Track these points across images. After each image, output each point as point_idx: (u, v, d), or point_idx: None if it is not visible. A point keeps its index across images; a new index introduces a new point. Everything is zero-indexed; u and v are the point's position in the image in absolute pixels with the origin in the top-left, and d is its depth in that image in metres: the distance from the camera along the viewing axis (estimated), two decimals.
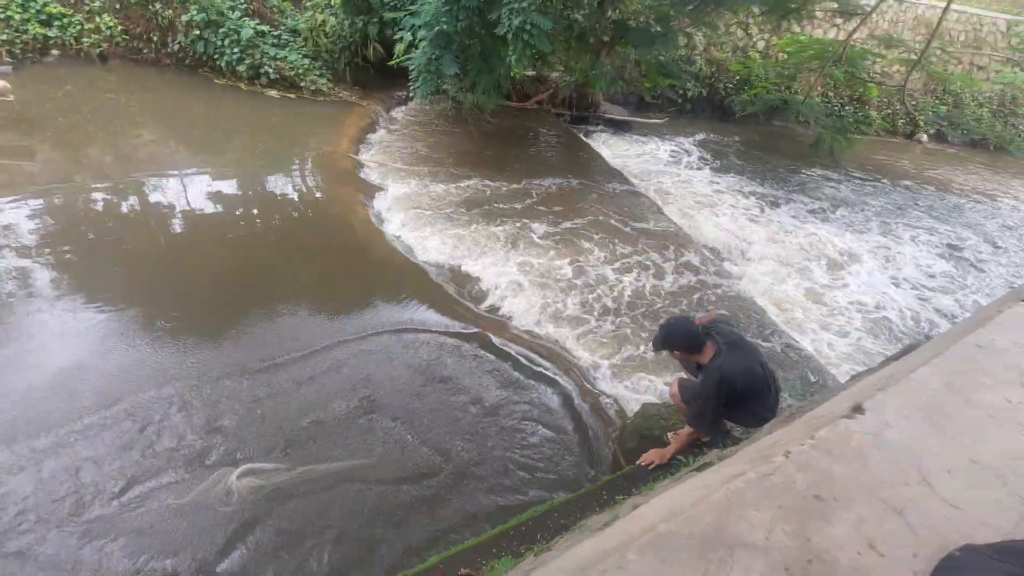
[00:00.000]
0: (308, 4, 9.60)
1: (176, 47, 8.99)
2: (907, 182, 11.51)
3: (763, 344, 4.99)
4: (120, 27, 8.80)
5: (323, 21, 9.27)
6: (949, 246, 8.64)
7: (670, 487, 0.71)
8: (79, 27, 8.53)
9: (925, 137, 15.03)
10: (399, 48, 7.86)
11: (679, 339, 2.79)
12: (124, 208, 5.70)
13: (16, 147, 6.50)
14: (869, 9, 10.13)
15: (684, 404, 3.26)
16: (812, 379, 4.29)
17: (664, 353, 3.00)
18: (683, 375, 3.37)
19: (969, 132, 15.25)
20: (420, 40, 6.96)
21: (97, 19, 8.65)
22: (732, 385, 2.67)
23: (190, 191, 6.21)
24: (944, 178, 12.33)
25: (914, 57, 11.56)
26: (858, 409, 0.70)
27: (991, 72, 15.72)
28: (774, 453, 0.64)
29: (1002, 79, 15.35)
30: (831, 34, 13.50)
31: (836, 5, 9.45)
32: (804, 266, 7.09)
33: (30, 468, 3.08)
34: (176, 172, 6.57)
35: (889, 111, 14.82)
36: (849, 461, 0.65)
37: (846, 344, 5.63)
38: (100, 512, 2.93)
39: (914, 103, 14.87)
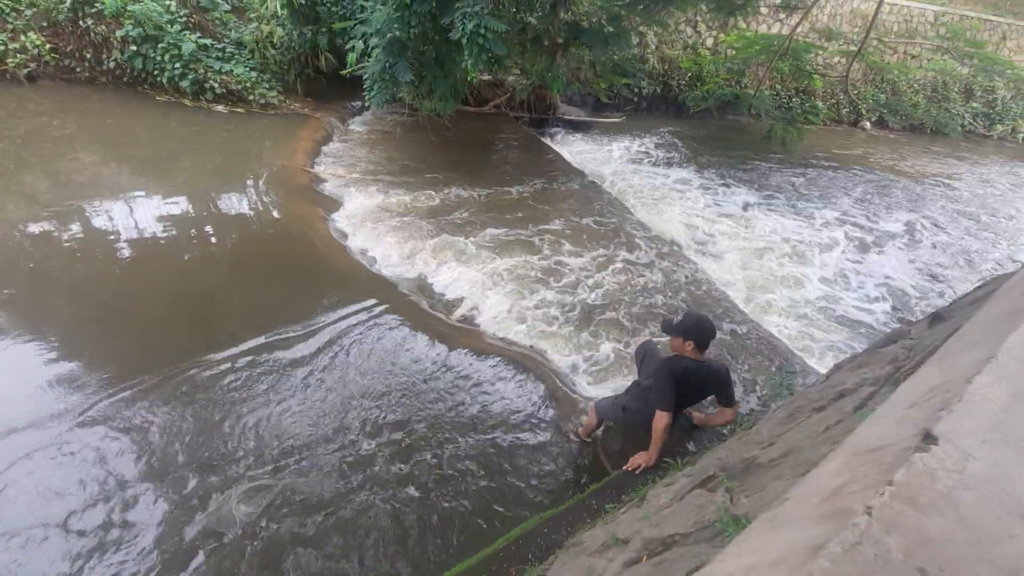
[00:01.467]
0: (252, 15, 9.27)
1: (112, 64, 8.53)
2: (857, 167, 11.94)
3: (732, 332, 5.02)
4: (48, 45, 8.28)
5: (270, 32, 8.98)
6: (908, 227, 8.98)
7: (718, 565, 0.59)
8: (3, 47, 7.99)
9: (868, 124, 15.69)
10: (351, 57, 7.66)
11: (703, 334, 2.89)
12: (66, 237, 5.32)
13: None
14: (810, 3, 10.50)
15: (596, 418, 3.52)
16: (787, 368, 4.33)
17: (666, 337, 3.15)
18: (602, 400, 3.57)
19: (908, 117, 16.01)
20: (373, 48, 6.79)
21: (23, 38, 8.11)
22: (679, 381, 2.89)
23: (138, 216, 5.86)
24: (889, 162, 12.85)
25: (854, 48, 12.05)
26: (929, 438, 0.61)
27: (923, 60, 16.53)
28: (849, 508, 0.54)
29: (934, 66, 16.17)
30: (775, 29, 13.95)
31: (779, 0, 9.74)
32: (768, 254, 7.22)
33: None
34: (121, 196, 6.20)
35: (833, 101, 15.40)
36: (941, 512, 0.55)
37: (815, 330, 5.74)
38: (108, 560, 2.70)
39: (856, 92, 15.51)
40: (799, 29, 11.33)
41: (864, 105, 15.66)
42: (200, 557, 2.80)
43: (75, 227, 5.50)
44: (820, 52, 13.38)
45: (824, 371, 4.23)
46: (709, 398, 3.34)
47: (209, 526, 2.95)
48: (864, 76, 15.86)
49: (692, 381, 2.93)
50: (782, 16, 13.62)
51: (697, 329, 2.88)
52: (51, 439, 3.31)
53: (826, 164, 11.85)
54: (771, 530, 0.59)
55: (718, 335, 4.92)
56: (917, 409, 0.70)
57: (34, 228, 5.37)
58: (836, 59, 14.82)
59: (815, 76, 13.26)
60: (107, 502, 3.01)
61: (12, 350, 3.92)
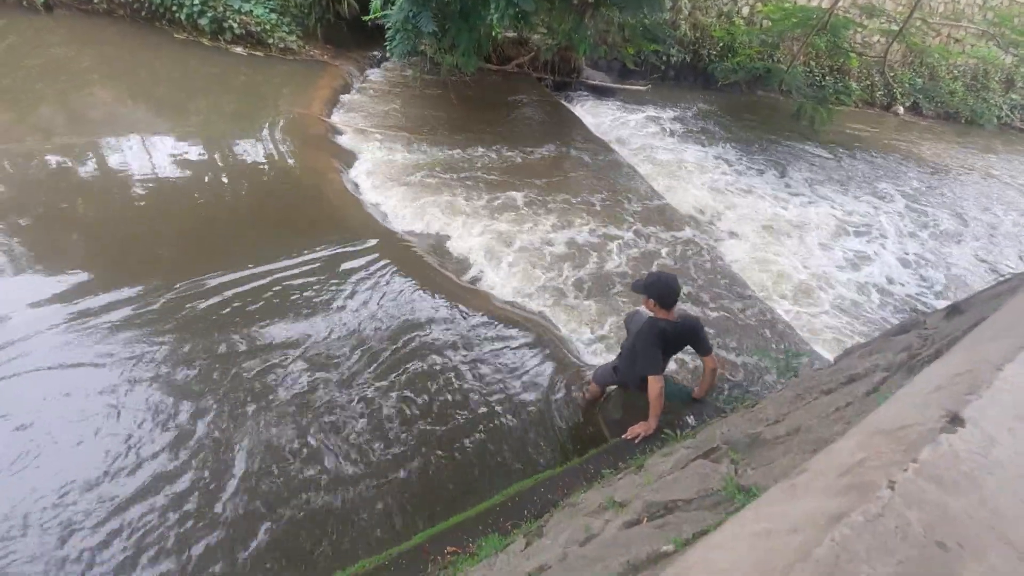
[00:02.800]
0: None
1: None
2: (894, 154, 11.59)
3: (741, 313, 5.00)
4: None
5: None
6: (929, 220, 8.74)
7: (732, 527, 0.59)
8: None
9: (901, 109, 15.16)
10: (375, 4, 7.43)
11: (662, 291, 2.92)
12: (80, 172, 5.33)
13: None
14: None
15: (597, 387, 3.64)
16: (793, 352, 4.32)
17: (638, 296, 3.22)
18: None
19: (943, 105, 15.43)
20: None
21: None
22: (664, 342, 2.96)
23: (152, 155, 5.84)
24: (927, 151, 12.44)
25: (895, 28, 11.53)
26: (957, 420, 0.60)
27: (967, 45, 15.81)
28: (872, 482, 0.54)
29: (976, 53, 15.47)
30: (815, 2, 13.35)
31: None
32: (785, 237, 7.11)
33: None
34: (136, 134, 6.16)
35: (868, 82, 14.85)
36: (964, 492, 0.54)
37: (824, 315, 5.69)
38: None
39: (892, 74, 14.92)
40: (840, 3, 10.84)
41: (900, 89, 15.08)
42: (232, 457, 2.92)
43: (90, 162, 5.50)
44: (860, 29, 12.82)
45: (831, 357, 4.22)
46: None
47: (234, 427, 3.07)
48: (903, 58, 15.22)
49: (669, 340, 3.01)
50: None
51: (656, 287, 2.92)
52: (88, 343, 3.41)
53: (859, 148, 11.51)
54: (787, 499, 0.59)
55: (731, 315, 4.95)
56: (943, 392, 0.69)
57: (51, 160, 5.37)
58: (876, 38, 14.21)
59: (852, 55, 12.74)
60: (146, 396, 3.15)
61: (28, 270, 3.98)
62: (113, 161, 5.61)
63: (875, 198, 9.15)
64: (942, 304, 6.06)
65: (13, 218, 4.57)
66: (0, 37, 7.54)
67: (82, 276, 4.09)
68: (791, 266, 6.44)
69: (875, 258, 7.18)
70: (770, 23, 12.46)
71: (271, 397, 3.45)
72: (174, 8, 8.32)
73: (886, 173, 10.50)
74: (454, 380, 3.84)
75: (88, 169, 5.40)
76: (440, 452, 3.32)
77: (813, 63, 13.87)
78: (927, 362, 1.22)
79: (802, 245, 7.01)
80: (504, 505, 2.78)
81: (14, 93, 6.45)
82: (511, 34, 10.26)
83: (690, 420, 3.50)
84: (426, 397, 3.66)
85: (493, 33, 8.25)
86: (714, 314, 5.00)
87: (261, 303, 4.15)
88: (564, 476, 3.00)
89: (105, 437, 3.06)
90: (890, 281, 6.70)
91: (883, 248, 7.50)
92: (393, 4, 6.75)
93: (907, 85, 15.15)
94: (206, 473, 2.98)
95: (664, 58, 12.65)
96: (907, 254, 7.49)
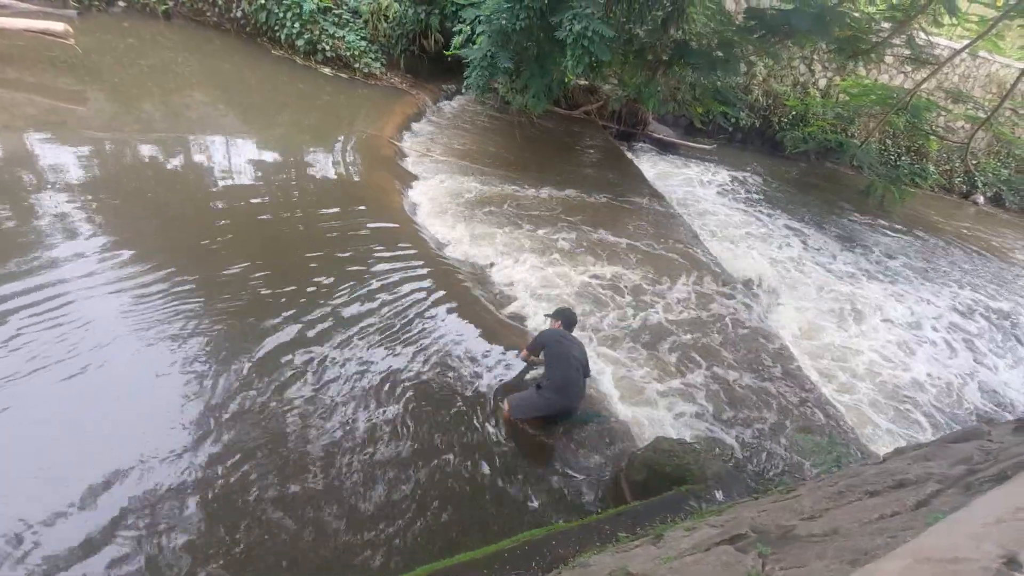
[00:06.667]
0: None
1: (239, 14, 9.11)
2: (967, 243, 10.99)
3: (784, 391, 4.77)
4: None
5: (386, 6, 9.30)
6: (1007, 321, 8.12)
7: None
8: None
9: (982, 199, 14.46)
10: (456, 40, 7.82)
11: (566, 318, 4.11)
12: (167, 163, 5.75)
13: (73, 92, 6.63)
14: (942, 60, 9.77)
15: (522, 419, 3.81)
16: (839, 438, 4.06)
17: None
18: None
19: None
20: (478, 35, 6.91)
21: None
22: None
23: (232, 156, 6.24)
24: (1014, 248, 11.72)
25: (982, 115, 11.09)
26: (1014, 564, 0.54)
27: None
28: None
29: None
30: (898, 81, 13.10)
31: (909, 52, 9.09)
32: (839, 315, 6.80)
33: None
34: (222, 136, 6.62)
35: (947, 167, 14.30)
36: None
37: (874, 405, 5.35)
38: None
39: (975, 162, 14.32)
40: (924, 85, 10.56)
41: (982, 178, 14.42)
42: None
43: (177, 156, 5.93)
44: (943, 113, 12.43)
45: (879, 452, 3.94)
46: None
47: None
48: (988, 147, 14.62)
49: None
50: (908, 69, 12.77)
51: (561, 315, 4.12)
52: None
53: (933, 234, 10.99)
54: None
55: (774, 390, 4.74)
56: (1003, 528, 0.63)
57: (143, 150, 5.83)
58: (960, 123, 13.73)
59: (932, 138, 12.33)
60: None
61: (111, 247, 4.26)
62: (196, 157, 6.02)
63: (946, 287, 8.65)
64: (1008, 416, 5.59)
65: (103, 196, 4.94)
66: (121, 36, 8.36)
67: (151, 249, 4.35)
68: (844, 347, 6.12)
69: (938, 352, 6.73)
70: (847, 97, 12.27)
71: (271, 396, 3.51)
72: (276, 28, 9.02)
73: (961, 263, 9.94)
74: (477, 410, 3.80)
75: (174, 161, 5.82)
76: (450, 484, 3.27)
77: (889, 141, 13.50)
78: (988, 482, 1.12)
79: (858, 326, 6.67)
80: (513, 552, 2.69)
81: (125, 88, 7.10)
82: (582, 82, 10.52)
83: (718, 495, 3.32)
84: (445, 424, 3.64)
85: (565, 79, 8.49)
86: (755, 386, 4.79)
87: (300, 303, 4.28)
88: (578, 532, 2.89)
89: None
90: (952, 379, 6.23)
91: (947, 342, 7.03)
92: (474, 43, 7.09)
93: (991, 175, 14.48)
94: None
95: (733, 120, 12.62)
96: (975, 353, 6.98)
